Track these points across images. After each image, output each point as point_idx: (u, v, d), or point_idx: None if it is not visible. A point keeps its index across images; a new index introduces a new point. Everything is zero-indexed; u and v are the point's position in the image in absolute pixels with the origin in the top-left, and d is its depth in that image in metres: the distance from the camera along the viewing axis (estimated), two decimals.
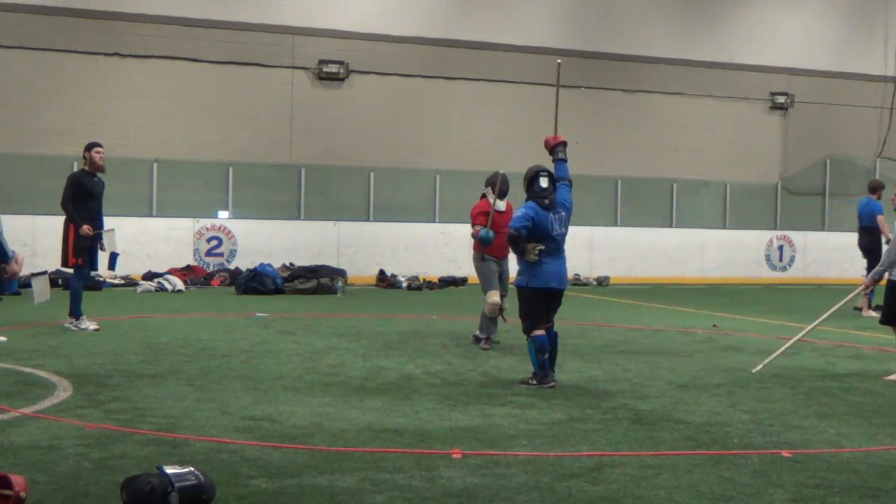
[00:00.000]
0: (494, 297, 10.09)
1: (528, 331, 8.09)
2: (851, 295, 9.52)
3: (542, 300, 8.13)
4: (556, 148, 8.51)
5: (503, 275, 10.41)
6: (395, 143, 21.24)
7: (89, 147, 11.12)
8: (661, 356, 9.98)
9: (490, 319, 10.24)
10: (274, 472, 5.18)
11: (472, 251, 10.58)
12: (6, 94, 18.82)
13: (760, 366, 9.20)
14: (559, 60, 8.89)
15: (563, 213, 8.16)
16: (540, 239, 7.99)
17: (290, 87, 20.64)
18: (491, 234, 9.95)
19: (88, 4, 19.18)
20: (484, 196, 10.44)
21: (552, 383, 7.99)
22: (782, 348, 9.59)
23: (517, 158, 21.76)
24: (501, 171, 10.43)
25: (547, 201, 8.04)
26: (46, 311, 10.69)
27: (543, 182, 8.08)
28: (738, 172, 23.97)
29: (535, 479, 5.20)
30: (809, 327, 9.81)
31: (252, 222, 20.00)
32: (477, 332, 10.41)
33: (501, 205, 10.32)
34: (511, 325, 10.43)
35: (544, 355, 8.00)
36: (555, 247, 8.07)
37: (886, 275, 9.05)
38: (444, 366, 9.00)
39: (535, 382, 8.00)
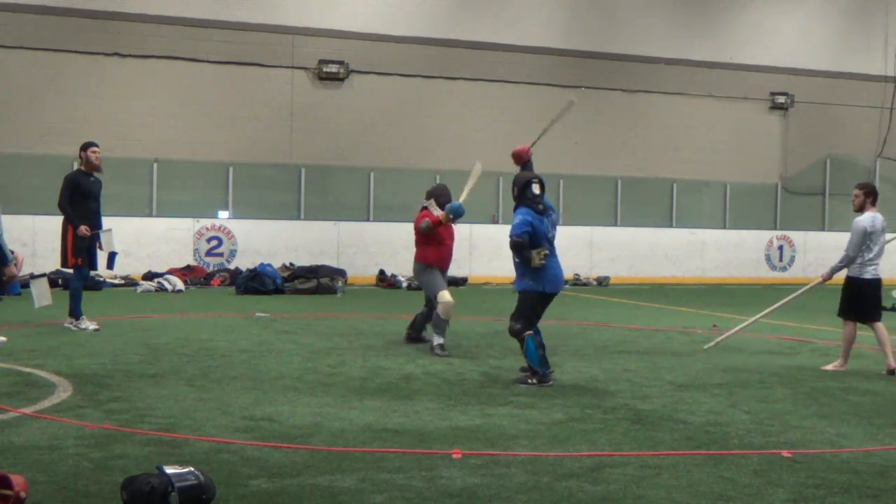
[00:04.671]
0: (448, 296, 9.91)
1: (521, 332, 8.13)
2: (807, 287, 10.17)
3: (546, 303, 8.29)
4: (528, 163, 8.82)
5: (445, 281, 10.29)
6: (395, 143, 21.24)
7: (85, 147, 11.08)
8: (661, 356, 9.98)
9: (444, 321, 9.88)
10: (274, 472, 5.17)
11: (413, 263, 10.30)
12: (6, 94, 18.82)
13: (713, 343, 10.04)
14: (574, 99, 9.12)
15: (553, 216, 8.44)
16: (538, 242, 8.12)
17: (290, 87, 20.64)
18: (463, 207, 10.04)
19: (88, 4, 19.18)
20: (425, 208, 10.37)
21: (551, 382, 8.00)
22: (737, 328, 10.43)
23: None
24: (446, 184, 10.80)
25: (540, 206, 8.27)
26: (46, 311, 10.69)
27: (536, 189, 8.28)
28: (738, 172, 23.97)
29: (535, 479, 5.19)
30: (766, 311, 10.55)
31: (252, 222, 20.00)
32: (436, 341, 9.85)
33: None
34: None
35: (543, 351, 8.06)
36: (551, 249, 8.30)
37: (846, 271, 9.51)
38: (444, 366, 9.00)
39: (534, 381, 8.02)
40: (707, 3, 23.98)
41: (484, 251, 19.90)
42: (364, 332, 11.40)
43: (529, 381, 8.06)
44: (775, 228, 24.12)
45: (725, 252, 23.30)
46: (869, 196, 9.52)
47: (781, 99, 24.27)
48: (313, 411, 6.77)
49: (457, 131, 21.77)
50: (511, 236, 8.11)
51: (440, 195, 10.40)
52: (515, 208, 8.31)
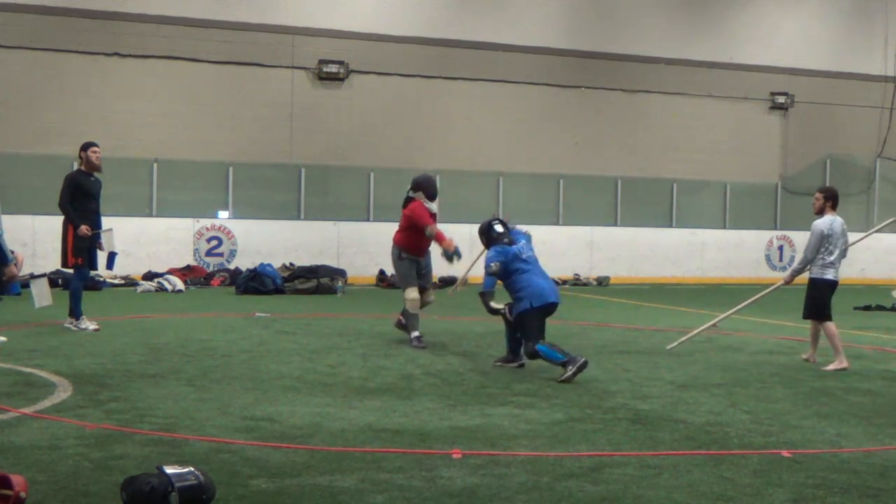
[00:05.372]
0: (413, 293, 10.30)
1: (534, 348, 8.53)
2: (771, 288, 10.49)
3: (542, 316, 8.79)
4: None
5: (426, 270, 10.67)
6: (395, 143, 21.24)
7: (85, 147, 11.06)
8: (661, 356, 9.97)
9: (414, 315, 10.30)
10: (274, 472, 5.17)
11: (392, 246, 10.61)
12: (6, 94, 18.82)
13: (675, 343, 10.34)
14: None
15: (524, 242, 9.17)
16: (513, 261, 8.89)
17: (290, 87, 20.64)
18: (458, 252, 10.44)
19: (88, 4, 19.18)
20: (413, 199, 10.53)
21: (583, 359, 8.33)
22: (700, 328, 10.66)
23: (517, 158, 21.91)
24: (430, 174, 11.08)
25: (507, 240, 9.09)
26: (46, 311, 10.69)
27: (499, 228, 9.23)
28: (738, 172, 23.96)
29: (535, 479, 5.19)
30: (731, 311, 10.77)
31: (252, 222, 20.00)
32: (412, 334, 10.33)
33: (434, 207, 10.62)
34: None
35: (556, 346, 8.54)
36: (532, 267, 8.95)
37: (807, 273, 9.86)
38: (444, 366, 9.00)
39: (572, 369, 8.24)
40: (707, 3, 23.98)
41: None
42: (364, 332, 11.40)
43: (569, 371, 8.21)
44: (775, 228, 24.11)
45: (725, 252, 23.29)
46: (829, 200, 9.83)
47: (781, 99, 24.26)
48: (313, 411, 6.77)
49: (457, 131, 21.77)
50: (486, 266, 8.94)
51: (427, 187, 10.57)
52: (488, 249, 9.21)
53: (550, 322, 8.95)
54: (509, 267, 8.88)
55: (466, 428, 6.39)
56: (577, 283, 21.02)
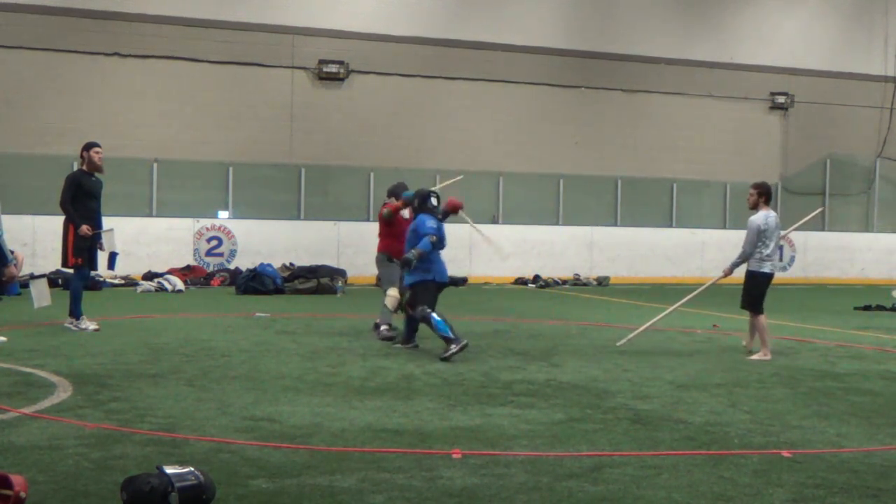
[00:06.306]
0: (395, 292, 10.95)
1: (427, 314, 9.35)
2: (709, 283, 10.99)
3: (438, 290, 9.74)
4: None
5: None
6: (395, 143, 21.25)
7: (87, 147, 11.07)
8: (661, 356, 9.97)
9: (390, 311, 10.98)
10: (274, 472, 5.17)
11: (377, 252, 11.54)
12: (6, 94, 18.83)
13: (625, 340, 10.50)
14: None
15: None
16: (440, 241, 9.65)
17: (290, 87, 20.65)
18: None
19: (88, 4, 19.19)
20: (388, 203, 11.54)
21: (465, 342, 9.15)
22: (646, 324, 10.83)
23: (516, 158, 21.92)
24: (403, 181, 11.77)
25: (440, 216, 9.84)
26: (46, 311, 10.69)
27: (434, 201, 9.91)
28: (738, 172, 23.96)
29: (535, 479, 5.19)
30: (677, 304, 11.09)
31: (252, 222, 20.01)
32: (381, 324, 10.97)
33: (405, 212, 11.21)
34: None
35: (449, 324, 9.23)
36: (441, 248, 9.76)
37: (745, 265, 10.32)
38: (444, 366, 9.00)
39: (455, 348, 9.07)
40: (707, 2, 23.99)
41: (484, 251, 19.91)
42: (364, 332, 11.40)
43: (451, 349, 9.02)
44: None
45: (725, 252, 23.13)
46: (762, 195, 10.18)
47: (781, 99, 24.28)
48: (313, 411, 6.77)
49: (457, 131, 21.78)
50: (427, 234, 9.49)
51: (400, 194, 11.27)
52: (418, 214, 9.81)
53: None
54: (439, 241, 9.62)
55: (466, 428, 6.39)
56: (577, 283, 21.02)
